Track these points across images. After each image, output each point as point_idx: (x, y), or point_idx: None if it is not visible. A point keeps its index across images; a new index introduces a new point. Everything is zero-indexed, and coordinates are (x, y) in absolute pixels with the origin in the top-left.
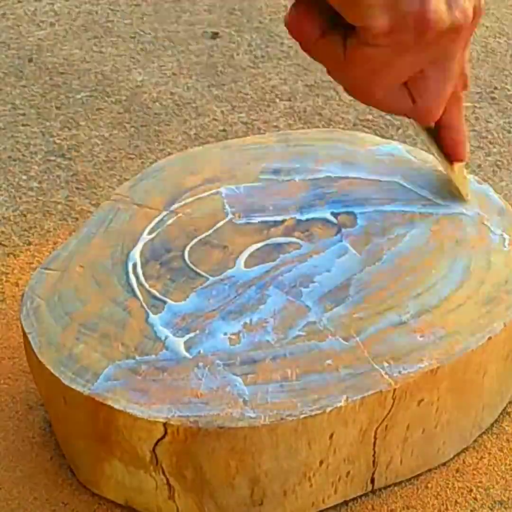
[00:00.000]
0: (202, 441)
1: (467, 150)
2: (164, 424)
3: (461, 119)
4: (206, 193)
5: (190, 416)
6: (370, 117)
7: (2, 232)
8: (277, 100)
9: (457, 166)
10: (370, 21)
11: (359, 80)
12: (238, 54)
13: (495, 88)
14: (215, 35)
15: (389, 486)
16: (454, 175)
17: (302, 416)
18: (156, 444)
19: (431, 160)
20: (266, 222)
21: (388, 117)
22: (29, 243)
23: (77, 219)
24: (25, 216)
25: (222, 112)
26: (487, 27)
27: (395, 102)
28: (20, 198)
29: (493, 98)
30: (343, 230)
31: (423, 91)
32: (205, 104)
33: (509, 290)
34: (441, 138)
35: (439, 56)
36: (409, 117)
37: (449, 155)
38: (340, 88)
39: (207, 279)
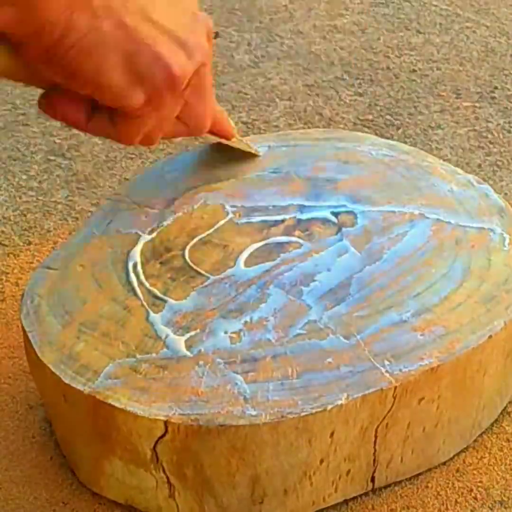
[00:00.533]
0: (203, 439)
1: (232, 128)
2: (165, 422)
3: (218, 111)
4: (206, 193)
5: (191, 414)
6: (370, 117)
7: (2, 231)
8: (277, 99)
9: (232, 140)
10: (127, 101)
11: (140, 139)
12: (238, 54)
13: (495, 87)
14: (215, 35)
15: (389, 485)
16: (239, 146)
17: (303, 414)
18: (156, 442)
19: (430, 160)
20: (266, 221)
21: (388, 117)
22: (29, 243)
23: (77, 218)
24: (25, 215)
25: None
26: (487, 26)
27: (175, 133)
28: (20, 197)
29: (493, 98)
30: (343, 229)
31: (192, 116)
32: None
33: (509, 289)
34: (212, 133)
35: (195, 88)
36: (186, 136)
37: (223, 137)
38: (340, 87)
39: (208, 278)
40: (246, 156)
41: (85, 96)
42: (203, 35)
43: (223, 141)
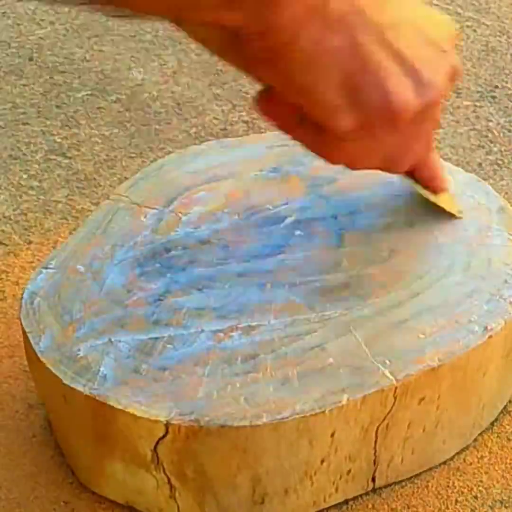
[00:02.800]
0: (204, 440)
1: (445, 180)
2: (166, 423)
3: (432, 156)
4: (205, 192)
5: (191, 415)
6: None
7: (3, 231)
8: None
9: (441, 195)
10: (335, 122)
11: (344, 162)
12: None
13: (496, 86)
14: None
15: (390, 485)
16: (441, 202)
17: (303, 415)
18: (157, 443)
19: None
20: (266, 221)
21: None
22: (30, 242)
23: (77, 218)
24: (25, 215)
25: (222, 111)
26: (487, 25)
27: (369, 164)
28: (20, 197)
29: (493, 97)
30: (343, 229)
31: (393, 152)
32: (205, 103)
33: (509, 289)
34: (417, 177)
35: (417, 128)
36: (378, 170)
37: (429, 189)
38: None
39: (208, 278)
40: (446, 213)
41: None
42: (444, 73)
43: (425, 193)
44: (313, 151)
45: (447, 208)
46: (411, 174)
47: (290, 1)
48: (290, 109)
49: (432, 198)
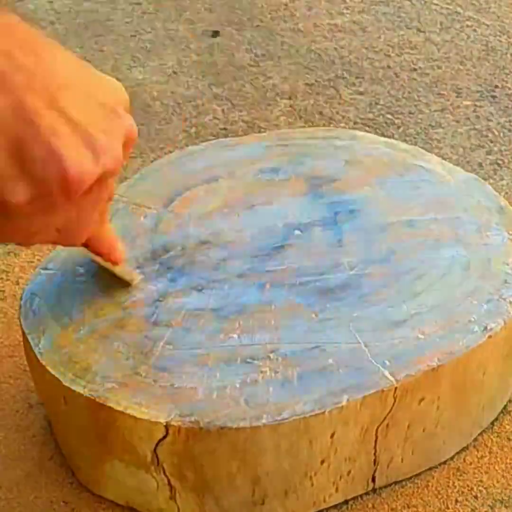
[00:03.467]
0: (204, 441)
1: (121, 251)
2: (166, 425)
3: (106, 227)
4: (205, 192)
5: (191, 416)
6: (370, 115)
7: None
8: (278, 98)
9: (119, 266)
10: (6, 194)
11: (16, 240)
12: (238, 53)
13: (496, 86)
14: (215, 34)
15: (390, 485)
16: (118, 272)
17: (303, 415)
18: (157, 444)
19: (429, 159)
20: (266, 221)
21: (388, 115)
22: None
23: None
24: None
25: (222, 110)
26: (487, 25)
27: (47, 239)
28: None
29: (493, 97)
30: (343, 228)
31: (69, 225)
32: (205, 102)
33: (509, 289)
34: (94, 250)
35: (93, 199)
36: (57, 244)
37: (108, 261)
38: (340, 86)
39: (207, 278)
40: (121, 282)
41: None
42: (120, 138)
43: (103, 263)
44: None
45: (125, 277)
46: (87, 247)
47: None
48: None
49: (110, 268)
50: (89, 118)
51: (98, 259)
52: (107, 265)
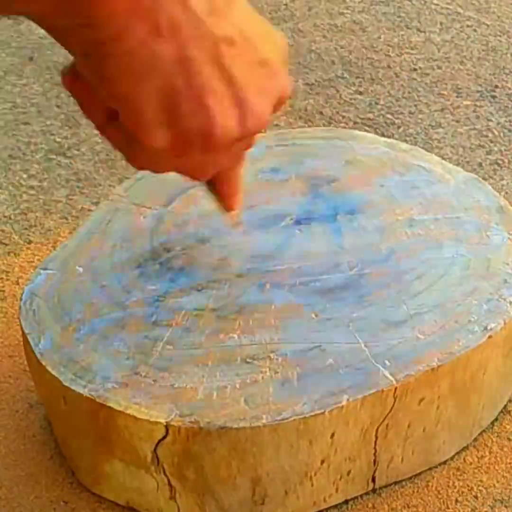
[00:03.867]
0: (204, 441)
1: (238, 199)
2: (166, 425)
3: (237, 174)
4: (205, 192)
5: (191, 416)
6: (370, 115)
7: (3, 230)
8: None
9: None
10: (148, 138)
11: (148, 168)
12: None
13: (496, 86)
14: None
15: (390, 485)
16: (228, 216)
17: (303, 415)
18: (157, 444)
19: (429, 159)
20: (265, 221)
21: (388, 115)
22: (30, 242)
23: (77, 217)
24: (25, 214)
25: None
26: (488, 25)
27: (171, 170)
28: (20, 196)
29: (493, 97)
30: (343, 228)
31: (201, 169)
32: None
33: (509, 288)
34: (216, 188)
35: (231, 152)
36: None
37: (224, 205)
38: (341, 86)
39: (207, 278)
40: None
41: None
42: (273, 99)
43: (217, 203)
44: (118, 150)
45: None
46: (210, 181)
47: None
48: (100, 104)
49: (221, 211)
50: (247, 76)
51: (214, 197)
52: (219, 207)
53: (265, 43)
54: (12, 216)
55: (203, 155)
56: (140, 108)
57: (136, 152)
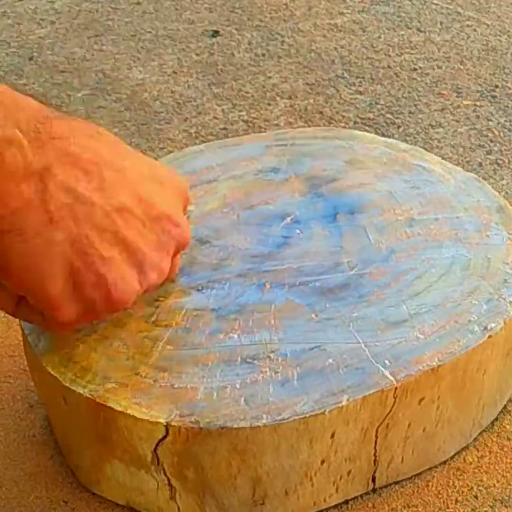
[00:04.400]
0: (204, 441)
1: None
2: (166, 425)
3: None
4: (204, 192)
5: (191, 416)
6: (370, 115)
7: None
8: (278, 98)
9: None
10: (59, 313)
11: (60, 329)
12: (238, 52)
13: (496, 86)
14: (215, 33)
15: (390, 484)
16: None
17: (304, 415)
18: (157, 444)
19: (428, 159)
20: (265, 221)
21: (388, 115)
22: None
23: None
24: None
25: (222, 110)
26: (488, 25)
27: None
28: None
29: (493, 97)
30: (342, 228)
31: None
32: (205, 102)
33: (509, 288)
34: None
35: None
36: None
37: None
38: (341, 86)
39: (207, 278)
40: None
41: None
42: (170, 250)
43: None
44: (32, 323)
45: None
46: None
47: (4, 195)
48: (8, 294)
49: None
50: (142, 236)
51: None
52: None
53: (160, 196)
54: None
55: (110, 314)
56: (46, 291)
57: (50, 323)
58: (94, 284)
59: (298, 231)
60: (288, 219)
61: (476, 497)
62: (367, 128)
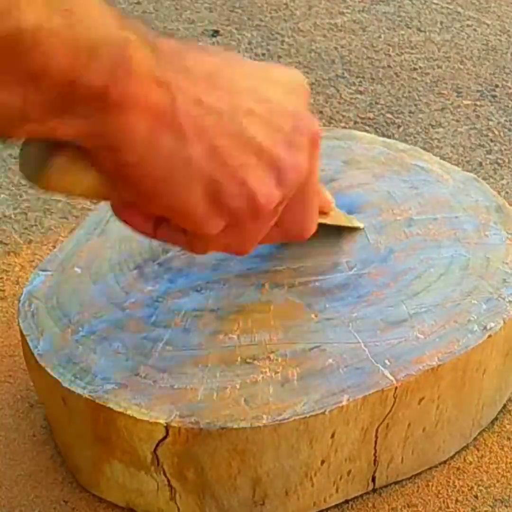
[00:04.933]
0: (204, 441)
1: (328, 199)
2: (166, 425)
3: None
4: None
5: (191, 417)
6: (370, 115)
7: (3, 230)
8: None
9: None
10: (205, 229)
11: (211, 251)
12: (238, 52)
13: (496, 86)
14: (215, 33)
15: (390, 484)
16: (334, 221)
17: (304, 415)
18: (157, 445)
19: (427, 159)
20: None
21: (388, 115)
22: (30, 241)
23: (78, 217)
24: (25, 214)
25: None
26: (488, 24)
27: (272, 239)
28: (20, 196)
29: (494, 96)
30: (341, 228)
31: (293, 224)
32: None
33: (508, 288)
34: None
35: (295, 200)
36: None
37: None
38: (341, 86)
39: (206, 279)
40: (347, 230)
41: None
42: (302, 146)
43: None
44: (174, 245)
45: (344, 224)
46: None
47: (132, 105)
48: (146, 216)
49: (328, 222)
50: (272, 137)
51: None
52: (327, 220)
53: (282, 94)
54: (13, 216)
55: (255, 224)
56: (189, 210)
57: (194, 242)
58: (236, 194)
59: None
60: None
61: (476, 496)
62: (367, 127)
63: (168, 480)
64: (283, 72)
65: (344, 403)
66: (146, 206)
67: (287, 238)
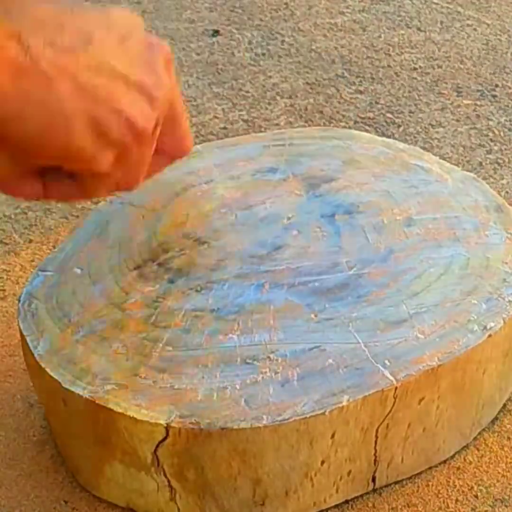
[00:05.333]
0: (204, 442)
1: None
2: (166, 426)
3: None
4: (202, 193)
5: (191, 417)
6: (371, 115)
7: (3, 230)
8: (278, 98)
9: None
10: (97, 165)
11: (111, 189)
12: (239, 52)
13: (496, 85)
14: (216, 33)
15: (390, 484)
16: None
17: (304, 416)
18: (157, 446)
19: (427, 158)
20: (263, 221)
21: (389, 115)
22: (30, 241)
23: (78, 217)
24: (26, 214)
25: (223, 109)
26: (488, 24)
27: (157, 167)
28: None
29: (494, 96)
30: (341, 228)
31: (172, 144)
32: (205, 101)
33: (508, 287)
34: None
35: (168, 120)
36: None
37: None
38: (341, 85)
39: (206, 279)
40: None
41: (33, 166)
42: (160, 65)
43: None
44: (73, 199)
45: None
46: None
47: None
48: (31, 177)
49: None
50: (131, 62)
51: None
52: None
53: (125, 27)
54: (13, 215)
55: (140, 148)
56: (78, 150)
57: (86, 186)
58: (115, 123)
59: (296, 231)
60: (286, 219)
61: (476, 496)
62: (367, 127)
63: (168, 481)
64: (118, 13)
65: (344, 403)
66: (34, 159)
67: (173, 158)
